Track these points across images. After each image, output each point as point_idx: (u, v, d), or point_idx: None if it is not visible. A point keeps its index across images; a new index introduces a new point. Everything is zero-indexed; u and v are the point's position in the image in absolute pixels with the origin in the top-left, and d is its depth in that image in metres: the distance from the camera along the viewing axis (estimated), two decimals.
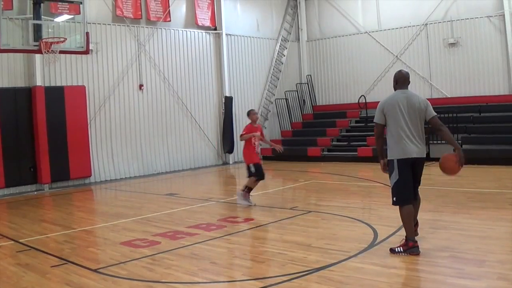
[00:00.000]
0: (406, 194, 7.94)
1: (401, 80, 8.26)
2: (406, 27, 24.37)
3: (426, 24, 23.67)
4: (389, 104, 8.00)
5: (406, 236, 7.93)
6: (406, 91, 8.14)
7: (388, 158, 8.06)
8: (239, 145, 24.63)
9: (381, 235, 9.00)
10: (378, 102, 8.31)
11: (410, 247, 7.82)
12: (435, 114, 8.07)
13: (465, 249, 7.89)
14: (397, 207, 8.02)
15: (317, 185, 16.58)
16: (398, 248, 7.94)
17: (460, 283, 6.44)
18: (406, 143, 7.82)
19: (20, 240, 10.42)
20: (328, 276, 7.08)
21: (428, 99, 22.78)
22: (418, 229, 8.38)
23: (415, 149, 7.86)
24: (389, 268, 7.39)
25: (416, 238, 8.00)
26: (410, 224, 7.92)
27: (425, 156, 8.05)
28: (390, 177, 8.06)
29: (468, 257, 7.49)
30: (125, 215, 12.75)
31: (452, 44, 22.87)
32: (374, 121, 8.14)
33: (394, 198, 8.00)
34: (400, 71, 8.40)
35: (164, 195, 15.94)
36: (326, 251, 8.34)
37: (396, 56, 24.63)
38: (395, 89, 8.30)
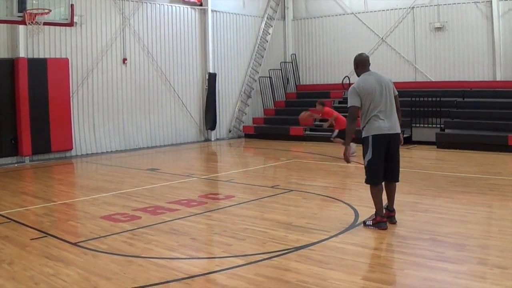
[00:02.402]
0: (378, 174, 8.19)
1: (362, 63, 8.51)
2: (392, 9, 24.28)
3: (413, 7, 23.62)
4: (364, 87, 8.14)
5: (375, 211, 8.29)
6: (371, 73, 8.40)
7: (363, 136, 8.22)
8: (221, 122, 24.70)
9: (362, 216, 9.00)
10: None
11: (378, 221, 8.24)
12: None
13: (445, 232, 7.92)
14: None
15: (299, 164, 16.58)
16: (368, 221, 8.40)
17: (440, 266, 6.47)
18: (381, 121, 8.04)
19: (0, 212, 10.36)
20: (308, 255, 7.09)
21: (412, 82, 23.09)
22: (396, 215, 8.50)
23: (390, 125, 8.09)
24: (370, 249, 7.44)
25: (396, 218, 8.29)
26: (380, 200, 8.26)
27: (399, 132, 8.29)
28: (364, 156, 8.28)
29: (448, 240, 7.52)
30: (105, 189, 12.70)
31: (438, 28, 22.85)
32: (350, 104, 8.19)
33: (366, 176, 8.28)
34: (360, 55, 8.61)
35: (145, 170, 15.89)
36: (307, 230, 8.37)
37: (382, 38, 24.58)
38: (357, 73, 8.55)
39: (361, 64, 8.44)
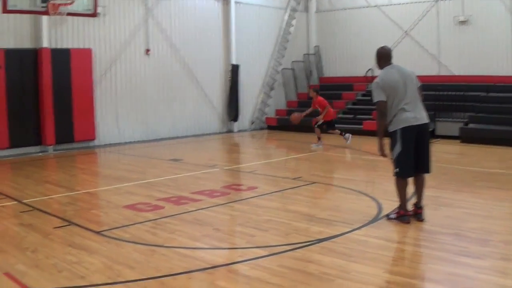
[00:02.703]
0: (407, 167, 8.06)
1: (385, 56, 8.40)
2: (416, 2, 24.04)
3: (437, 1, 23.41)
4: (387, 80, 8.07)
5: (399, 204, 8.24)
6: (394, 66, 8.30)
7: (390, 130, 8.12)
8: (243, 113, 24.68)
9: (386, 209, 8.97)
10: None
11: (401, 215, 8.20)
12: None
13: (468, 227, 7.87)
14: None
15: (322, 157, 16.52)
16: (392, 215, 8.44)
17: (463, 261, 6.43)
18: (408, 113, 7.95)
19: (24, 201, 10.46)
20: (331, 247, 7.08)
21: (436, 76, 22.84)
22: (423, 212, 8.41)
23: (418, 116, 7.99)
24: (393, 242, 7.42)
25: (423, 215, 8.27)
26: (404, 194, 8.20)
27: (428, 121, 8.18)
28: (392, 149, 8.14)
29: (471, 235, 7.47)
30: (128, 179, 12.74)
31: (463, 22, 22.60)
32: (377, 100, 8.08)
33: (397, 169, 8.12)
34: (383, 47, 8.51)
35: (168, 161, 15.93)
36: (330, 222, 8.35)
37: (405, 32, 24.39)
38: (380, 66, 8.42)
39: (384, 57, 8.34)
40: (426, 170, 8.27)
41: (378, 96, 8.06)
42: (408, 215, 8.18)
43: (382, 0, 25.28)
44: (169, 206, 9.71)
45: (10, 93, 17.15)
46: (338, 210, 9.29)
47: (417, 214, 8.31)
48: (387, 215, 8.47)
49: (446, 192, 10.53)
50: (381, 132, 8.21)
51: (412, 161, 8.04)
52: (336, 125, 18.81)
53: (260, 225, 8.26)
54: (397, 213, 8.28)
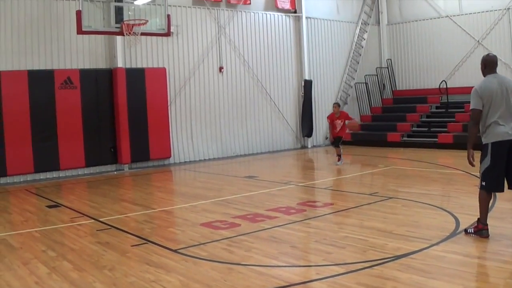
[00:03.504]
0: (496, 181, 7.75)
1: (490, 64, 8.02)
2: (488, 11, 23.48)
3: (509, 9, 22.78)
4: (485, 89, 7.74)
5: (478, 218, 7.96)
6: (497, 75, 7.95)
7: (483, 143, 7.82)
8: (317, 128, 24.58)
9: (463, 224, 8.68)
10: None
11: (480, 229, 7.93)
12: None
13: None
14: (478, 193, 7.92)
15: (397, 171, 16.22)
16: (470, 229, 8.13)
17: None
18: (502, 126, 7.62)
19: (101, 219, 10.56)
20: (410, 264, 6.87)
21: None
22: (496, 223, 8.11)
23: (510, 132, 7.63)
24: (472, 257, 7.15)
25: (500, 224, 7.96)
26: (486, 208, 7.91)
27: None
28: (481, 162, 7.84)
29: None
30: (204, 197, 12.75)
31: None
32: (472, 107, 7.82)
33: (484, 183, 7.82)
34: (488, 55, 8.15)
35: (243, 178, 15.90)
36: (407, 238, 8.12)
37: (478, 41, 23.83)
38: (484, 73, 8.07)
39: (489, 65, 7.99)
40: None
41: (474, 104, 7.81)
42: (486, 229, 7.88)
43: (453, 10, 24.81)
44: (245, 224, 9.62)
45: (85, 112, 17.53)
46: (415, 225, 9.03)
47: None
48: (465, 230, 8.19)
49: None
50: (472, 140, 7.93)
51: (500, 176, 7.73)
52: (411, 139, 18.42)
53: (336, 242, 8.09)
54: (475, 227, 8.01)
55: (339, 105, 18.27)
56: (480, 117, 7.77)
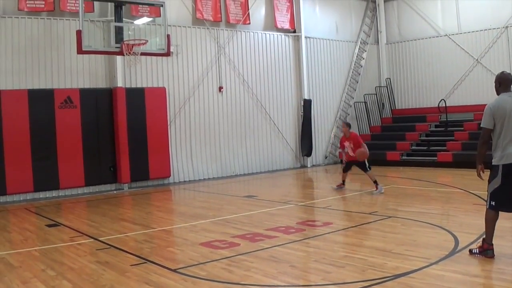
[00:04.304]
0: (505, 202, 7.69)
1: (506, 82, 7.96)
2: (486, 29, 23.65)
3: (507, 27, 22.92)
4: (499, 108, 7.68)
5: (483, 238, 7.91)
6: (511, 94, 7.86)
7: (493, 164, 7.76)
8: (317, 148, 24.60)
9: (462, 243, 8.69)
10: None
11: (485, 249, 7.85)
12: None
13: None
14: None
15: (396, 190, 16.23)
16: (475, 250, 8.02)
17: None
18: None
19: (100, 238, 10.55)
20: (409, 283, 6.86)
21: None
22: (497, 241, 8.08)
23: None
24: (471, 276, 7.13)
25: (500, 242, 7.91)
26: (492, 228, 7.83)
27: None
28: (490, 181, 7.80)
29: None
30: (204, 216, 12.76)
31: None
32: (482, 125, 7.81)
33: (493, 203, 7.76)
34: (503, 73, 8.07)
35: (242, 197, 15.91)
36: (406, 257, 8.11)
37: (477, 60, 23.93)
38: (498, 92, 8.01)
39: (504, 82, 7.93)
40: None
41: (485, 122, 7.77)
42: (491, 249, 7.82)
43: (452, 29, 24.97)
44: (245, 243, 9.61)
45: (85, 132, 17.60)
46: (415, 244, 9.02)
47: None
48: (470, 250, 8.13)
49: None
50: (481, 159, 7.91)
51: (510, 196, 7.68)
52: (410, 158, 18.33)
53: (336, 262, 8.08)
54: (480, 247, 7.94)
55: (348, 125, 16.70)
56: (490, 136, 7.76)
